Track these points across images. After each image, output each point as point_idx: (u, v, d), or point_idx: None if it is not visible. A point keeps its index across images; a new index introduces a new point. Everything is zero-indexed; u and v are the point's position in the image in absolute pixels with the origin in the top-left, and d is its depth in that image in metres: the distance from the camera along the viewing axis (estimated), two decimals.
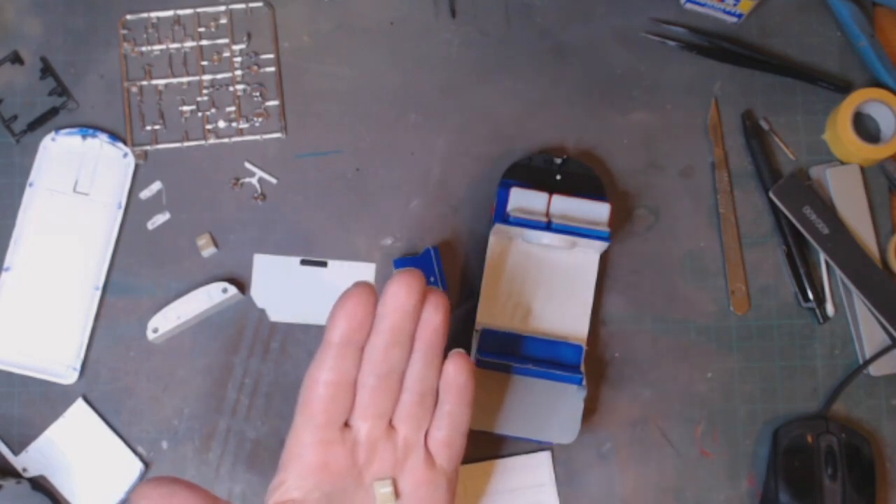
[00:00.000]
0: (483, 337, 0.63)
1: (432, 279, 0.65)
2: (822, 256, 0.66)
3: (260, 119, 0.68)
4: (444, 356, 0.54)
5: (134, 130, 0.68)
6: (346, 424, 0.53)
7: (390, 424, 0.53)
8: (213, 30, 0.69)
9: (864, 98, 0.66)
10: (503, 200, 0.63)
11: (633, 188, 0.68)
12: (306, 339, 0.66)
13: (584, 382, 0.62)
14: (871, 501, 0.63)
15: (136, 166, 0.68)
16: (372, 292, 0.52)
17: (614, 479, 0.65)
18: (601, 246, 0.63)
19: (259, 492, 0.65)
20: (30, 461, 0.64)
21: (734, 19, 0.69)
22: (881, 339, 0.66)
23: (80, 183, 0.67)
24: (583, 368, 0.63)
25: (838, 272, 0.66)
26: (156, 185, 0.68)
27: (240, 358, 0.66)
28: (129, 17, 0.69)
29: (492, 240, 0.65)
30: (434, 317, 0.52)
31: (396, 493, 0.53)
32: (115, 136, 0.68)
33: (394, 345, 0.52)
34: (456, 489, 0.55)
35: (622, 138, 0.69)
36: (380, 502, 0.53)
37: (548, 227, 0.62)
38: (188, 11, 0.69)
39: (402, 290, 0.51)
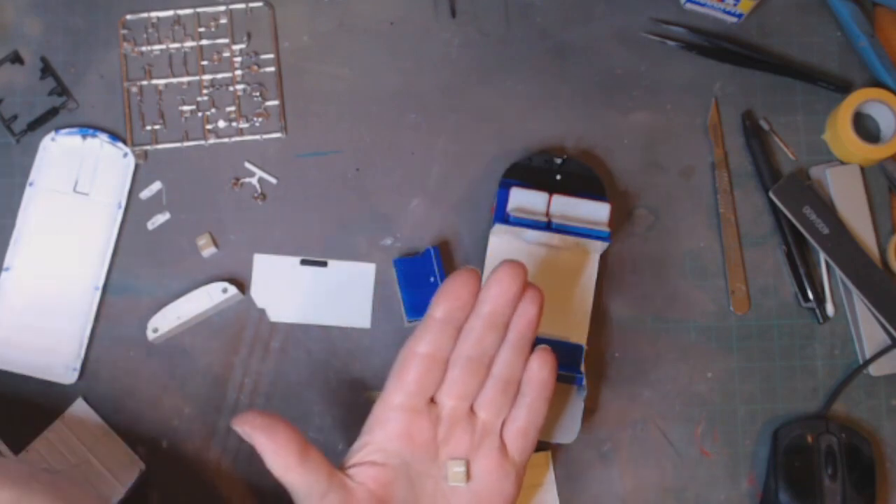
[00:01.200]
0: None
1: (432, 279, 0.65)
2: (822, 256, 0.66)
3: (260, 119, 0.68)
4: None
5: (134, 130, 0.68)
6: (432, 401, 0.55)
7: (472, 410, 0.55)
8: (213, 30, 0.69)
9: (864, 98, 0.66)
10: (503, 200, 0.63)
11: (633, 188, 0.68)
12: (306, 339, 0.66)
13: (584, 382, 0.62)
14: (871, 501, 0.63)
15: (136, 166, 0.68)
16: (477, 277, 0.55)
17: (614, 479, 0.65)
18: (601, 246, 0.63)
19: (259, 491, 0.65)
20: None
21: (734, 19, 0.69)
22: (881, 339, 0.66)
23: (80, 183, 0.67)
24: (583, 368, 0.63)
25: (838, 272, 0.66)
26: (156, 185, 0.68)
27: (240, 358, 0.66)
28: (129, 17, 0.69)
29: (492, 240, 0.65)
30: (530, 309, 0.55)
31: (468, 476, 0.55)
32: (115, 136, 0.68)
33: (490, 329, 0.54)
34: (522, 483, 0.57)
35: (622, 138, 0.69)
36: (451, 480, 0.54)
37: (548, 227, 0.62)
38: (188, 11, 0.69)
39: (505, 279, 0.54)
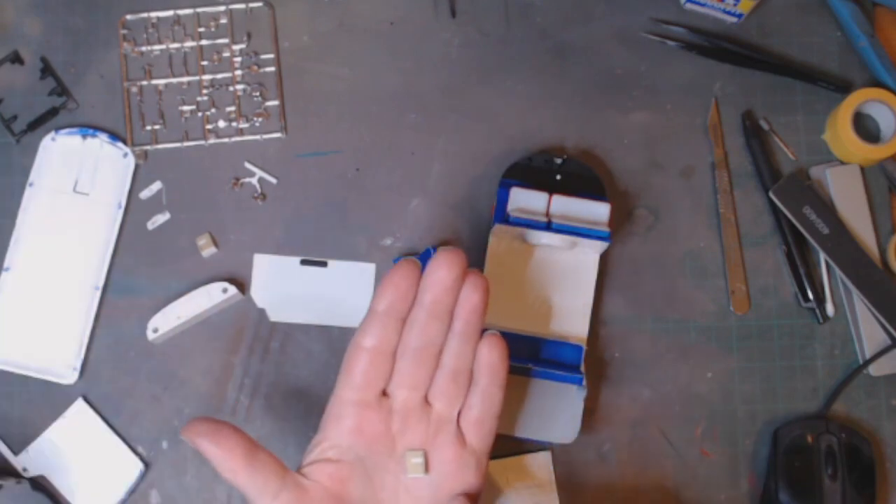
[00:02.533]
0: None
1: None
2: (822, 256, 0.66)
3: (260, 119, 0.68)
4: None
5: (134, 130, 0.68)
6: (385, 395, 0.55)
7: (426, 401, 0.55)
8: (213, 30, 0.69)
9: (864, 98, 0.66)
10: (503, 200, 0.63)
11: (633, 188, 0.68)
12: (306, 339, 0.66)
13: (584, 382, 0.62)
14: (871, 501, 0.63)
15: (136, 166, 0.68)
16: (417, 268, 0.54)
17: (614, 479, 0.65)
18: (601, 246, 0.63)
19: None
20: (30, 461, 0.64)
21: (734, 19, 0.69)
22: (881, 339, 0.66)
23: (80, 183, 0.67)
24: (583, 368, 0.63)
25: (838, 272, 0.66)
26: (156, 185, 0.68)
27: (240, 358, 0.66)
28: (129, 17, 0.69)
29: (492, 240, 0.65)
30: (472, 295, 0.55)
31: (427, 467, 0.55)
32: (115, 136, 0.68)
33: (433, 317, 0.54)
34: (486, 471, 0.57)
35: (622, 138, 0.69)
36: (410, 472, 0.54)
37: (548, 227, 0.62)
38: (188, 11, 0.69)
39: (443, 266, 0.54)
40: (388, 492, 0.54)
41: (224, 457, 0.51)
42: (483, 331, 0.56)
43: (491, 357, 0.55)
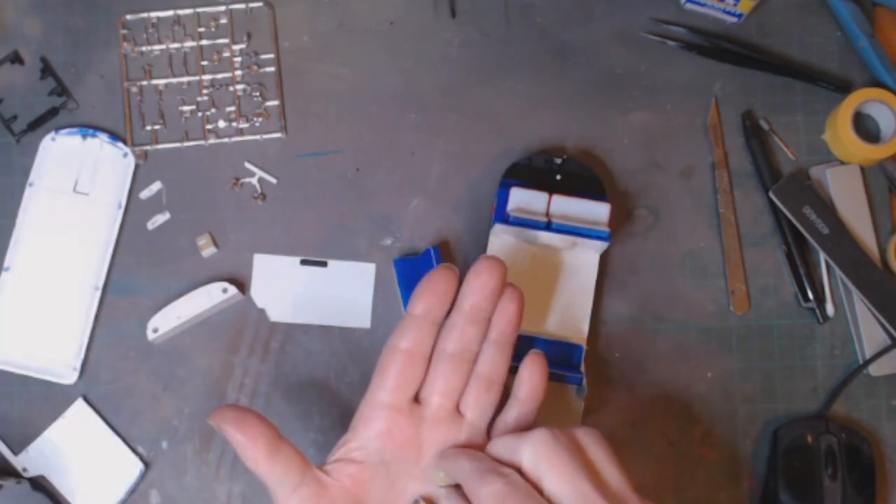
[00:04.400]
0: None
1: None
2: (822, 256, 0.66)
3: (260, 119, 0.68)
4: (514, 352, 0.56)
5: (134, 130, 0.68)
6: (417, 401, 0.55)
7: (458, 410, 0.55)
8: (213, 30, 0.69)
9: (864, 98, 0.66)
10: (503, 200, 0.63)
11: (633, 188, 0.68)
12: (306, 339, 0.66)
13: (584, 382, 0.62)
14: (871, 501, 0.63)
15: (136, 166, 0.68)
16: (456, 274, 0.55)
17: None
18: (601, 246, 0.63)
19: (259, 492, 0.65)
20: (30, 461, 0.64)
21: (734, 19, 0.69)
22: (881, 339, 0.66)
23: (80, 183, 0.67)
24: (583, 368, 0.63)
25: (838, 272, 0.66)
26: (156, 185, 0.68)
27: (240, 358, 0.66)
28: (129, 17, 0.69)
29: (492, 240, 0.65)
30: (509, 306, 0.55)
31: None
32: (115, 136, 0.68)
33: (471, 323, 0.55)
34: None
35: (622, 138, 0.69)
36: (438, 482, 0.54)
37: (548, 227, 0.62)
38: (188, 11, 0.69)
39: (484, 272, 0.54)
40: (407, 499, 0.54)
41: (247, 445, 0.51)
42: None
43: (532, 378, 0.55)
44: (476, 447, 0.54)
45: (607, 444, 0.50)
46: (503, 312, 0.55)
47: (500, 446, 0.51)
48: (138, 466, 0.64)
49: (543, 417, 0.62)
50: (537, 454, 0.48)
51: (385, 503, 0.53)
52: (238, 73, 0.69)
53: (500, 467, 0.49)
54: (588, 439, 0.50)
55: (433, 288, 0.54)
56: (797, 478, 0.63)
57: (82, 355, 0.65)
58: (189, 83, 0.69)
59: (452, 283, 0.55)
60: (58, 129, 0.67)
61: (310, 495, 0.52)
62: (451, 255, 0.67)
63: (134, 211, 0.67)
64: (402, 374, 0.54)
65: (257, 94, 0.69)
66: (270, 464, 0.52)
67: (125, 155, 0.68)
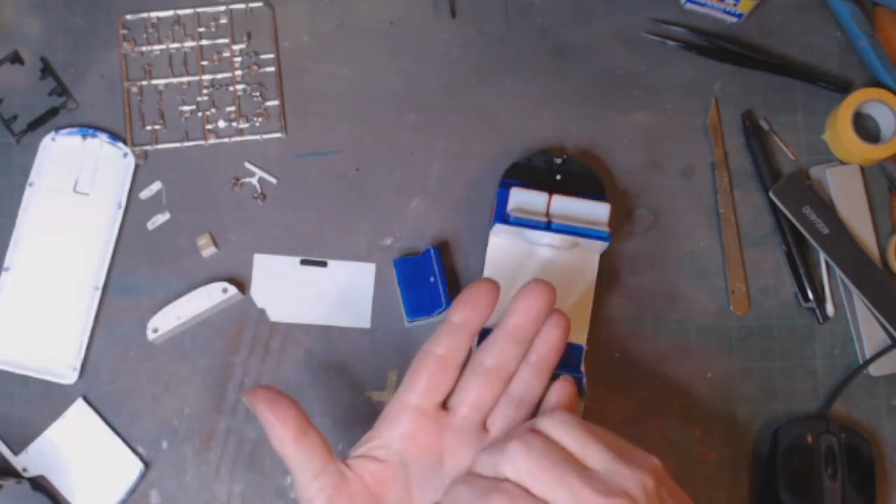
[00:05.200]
0: (483, 337, 0.62)
1: (432, 279, 0.65)
2: (822, 256, 0.66)
3: (260, 119, 0.68)
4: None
5: (134, 130, 0.68)
6: (445, 408, 0.55)
7: (484, 426, 0.55)
8: (213, 30, 0.69)
9: (864, 98, 0.66)
10: (503, 200, 0.63)
11: (633, 188, 0.68)
12: (306, 339, 0.66)
13: (584, 382, 0.62)
14: (871, 501, 0.63)
15: (136, 166, 0.68)
16: (497, 289, 0.55)
17: None
18: (601, 246, 0.63)
19: (259, 491, 0.65)
20: (30, 461, 0.64)
21: (734, 19, 0.69)
22: (881, 339, 0.66)
23: (80, 183, 0.67)
24: (583, 368, 0.63)
25: (838, 272, 0.66)
26: (156, 185, 0.68)
27: (240, 358, 0.66)
28: (129, 17, 0.69)
29: (492, 240, 0.65)
30: (554, 332, 0.55)
31: None
32: (115, 136, 0.68)
33: (512, 342, 0.55)
34: None
35: (622, 138, 0.69)
36: None
37: (548, 227, 0.62)
38: (188, 11, 0.69)
39: (532, 294, 0.54)
40: None
41: (277, 425, 0.52)
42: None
43: (560, 401, 0.55)
44: None
45: (575, 423, 0.50)
46: (546, 337, 0.55)
47: (482, 466, 0.51)
48: (138, 466, 0.64)
49: None
50: (518, 470, 0.48)
51: None
52: (238, 73, 0.69)
53: (497, 483, 0.48)
54: (558, 431, 0.50)
55: (473, 299, 0.54)
56: (797, 478, 0.63)
57: (82, 355, 0.65)
58: (189, 83, 0.69)
59: (493, 296, 0.55)
60: (58, 129, 0.67)
61: (330, 484, 0.52)
62: (451, 255, 0.67)
63: (134, 211, 0.67)
64: (433, 379, 0.54)
65: (257, 94, 0.69)
66: (296, 447, 0.52)
67: (125, 155, 0.68)
